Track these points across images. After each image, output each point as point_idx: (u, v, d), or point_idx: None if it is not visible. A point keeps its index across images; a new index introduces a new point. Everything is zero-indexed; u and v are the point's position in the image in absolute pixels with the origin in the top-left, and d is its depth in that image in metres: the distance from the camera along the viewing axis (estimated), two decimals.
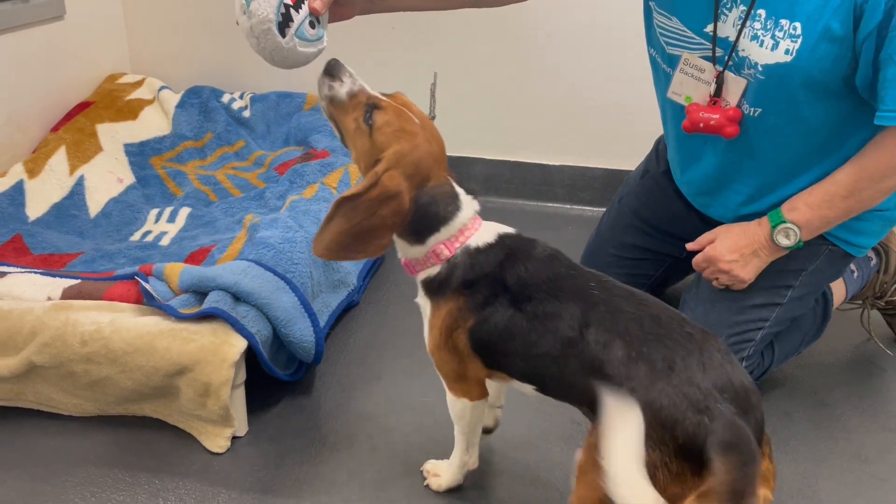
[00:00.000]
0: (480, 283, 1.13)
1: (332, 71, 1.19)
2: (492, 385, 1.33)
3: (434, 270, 1.17)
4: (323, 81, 1.20)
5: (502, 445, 1.46)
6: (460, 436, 1.30)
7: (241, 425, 1.47)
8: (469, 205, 1.18)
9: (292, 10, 1.28)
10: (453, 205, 1.15)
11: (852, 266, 1.68)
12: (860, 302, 1.78)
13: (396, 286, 2.02)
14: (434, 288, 1.17)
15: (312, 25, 1.32)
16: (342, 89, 1.19)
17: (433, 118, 2.57)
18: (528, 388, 1.17)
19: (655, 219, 1.70)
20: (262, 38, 1.28)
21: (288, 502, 1.33)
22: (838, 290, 1.67)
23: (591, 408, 1.05)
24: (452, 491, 1.35)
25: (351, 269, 1.88)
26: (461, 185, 1.21)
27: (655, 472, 0.96)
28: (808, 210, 1.38)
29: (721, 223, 1.52)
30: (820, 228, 1.41)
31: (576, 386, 1.08)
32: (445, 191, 1.15)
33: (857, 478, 1.43)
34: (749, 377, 1.04)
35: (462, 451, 1.32)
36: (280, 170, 2.12)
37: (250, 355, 1.46)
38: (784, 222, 1.39)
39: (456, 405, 1.25)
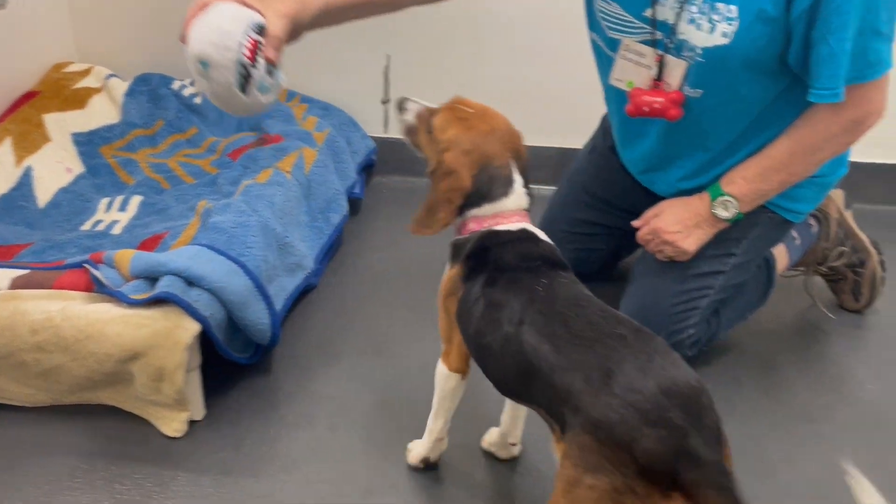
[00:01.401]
0: (474, 259, 1.19)
1: (401, 106, 1.35)
2: (508, 414, 1.36)
3: (461, 239, 1.24)
4: (399, 120, 1.35)
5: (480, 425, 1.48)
6: (434, 400, 1.31)
7: (197, 409, 1.47)
8: (519, 197, 1.22)
9: (251, 69, 1.27)
10: (503, 189, 1.21)
11: (794, 233, 1.73)
12: (803, 269, 1.83)
13: (355, 269, 2.02)
14: (453, 253, 1.25)
15: (270, 73, 1.32)
16: (410, 116, 1.33)
17: (387, 101, 2.57)
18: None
19: (604, 193, 1.73)
20: (225, 100, 1.30)
21: (247, 482, 1.34)
22: (781, 257, 1.73)
23: (551, 414, 1.04)
24: (422, 471, 1.36)
25: (307, 253, 1.88)
26: (526, 174, 1.26)
27: (621, 499, 0.91)
28: (745, 183, 1.44)
29: (666, 198, 1.56)
30: (757, 200, 1.47)
31: (517, 387, 1.10)
32: (502, 174, 1.21)
33: (801, 437, 1.49)
34: (694, 374, 0.99)
35: (432, 417, 1.32)
36: (233, 155, 2.10)
37: (206, 339, 1.46)
38: (723, 195, 1.45)
39: (439, 366, 1.29)
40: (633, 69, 1.46)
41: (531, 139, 2.64)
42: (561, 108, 2.48)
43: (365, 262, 2.05)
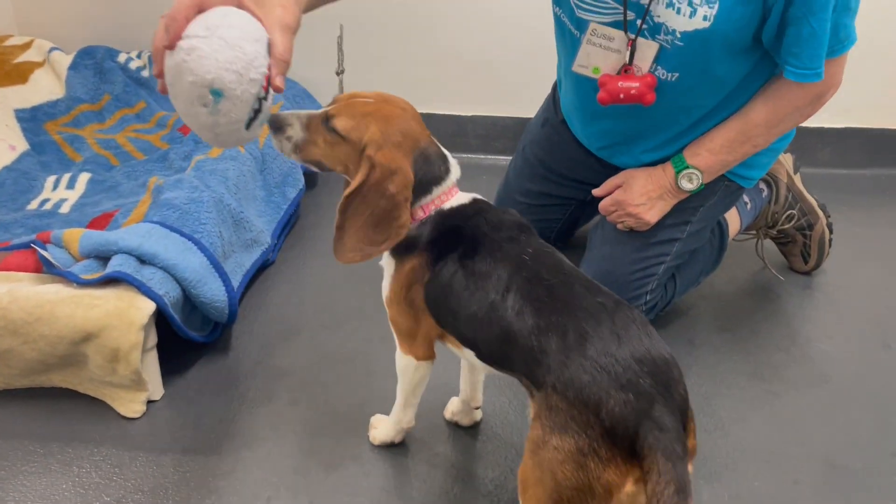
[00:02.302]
0: (441, 240, 1.13)
1: (277, 125, 1.13)
2: (467, 382, 1.36)
3: (411, 230, 1.14)
4: (278, 141, 1.14)
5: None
6: (400, 393, 1.29)
7: (155, 389, 1.45)
8: (455, 167, 1.17)
9: (263, 103, 1.05)
10: (443, 166, 1.14)
11: (745, 198, 1.77)
12: (754, 232, 1.87)
13: (313, 242, 2.01)
14: (405, 247, 1.15)
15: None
16: (296, 132, 1.13)
17: (342, 72, 2.53)
18: (471, 354, 1.16)
19: (558, 165, 1.73)
20: (224, 136, 1.04)
21: (209, 460, 1.33)
22: (733, 221, 1.76)
23: (528, 378, 1.04)
24: (387, 447, 1.37)
25: (264, 228, 1.85)
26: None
27: (585, 461, 0.92)
28: (710, 155, 1.46)
29: (622, 169, 1.57)
30: (719, 171, 1.49)
31: (500, 353, 1.09)
32: (434, 152, 1.14)
33: (753, 395, 1.53)
34: (668, 349, 1.00)
35: (399, 408, 1.31)
36: (184, 130, 2.06)
37: (161, 318, 1.44)
38: (688, 168, 1.46)
39: (401, 360, 1.25)
40: (601, 54, 1.41)
41: (487, 109, 2.66)
42: (516, 76, 2.47)
43: (323, 236, 2.03)
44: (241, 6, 0.98)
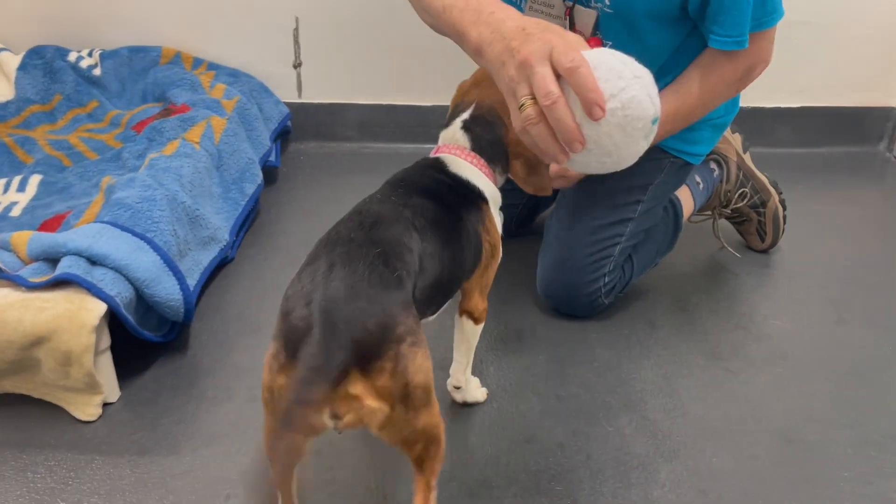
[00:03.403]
0: None
1: None
2: None
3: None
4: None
5: None
6: (471, 354, 1.38)
7: (111, 391, 1.43)
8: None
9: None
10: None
11: (697, 178, 1.78)
12: (709, 213, 1.89)
13: (273, 238, 1.99)
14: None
15: None
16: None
17: (299, 65, 2.51)
18: None
19: None
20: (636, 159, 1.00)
21: (167, 460, 1.32)
22: (687, 202, 1.77)
23: None
24: (344, 437, 1.35)
25: (221, 225, 1.83)
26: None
27: (272, 362, 0.97)
28: None
29: None
30: (656, 141, 1.50)
31: None
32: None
33: (712, 374, 1.55)
34: (387, 314, 0.95)
35: (470, 367, 1.41)
36: (138, 128, 2.02)
37: (115, 319, 1.42)
38: None
39: (477, 326, 1.34)
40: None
41: (449, 99, 2.64)
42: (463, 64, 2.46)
43: (283, 231, 2.02)
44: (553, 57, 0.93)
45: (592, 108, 0.87)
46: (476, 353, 1.59)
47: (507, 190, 1.77)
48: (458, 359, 1.38)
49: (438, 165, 1.24)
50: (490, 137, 1.25)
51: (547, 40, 0.91)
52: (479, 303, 1.30)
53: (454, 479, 1.29)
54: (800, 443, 1.38)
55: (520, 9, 1.44)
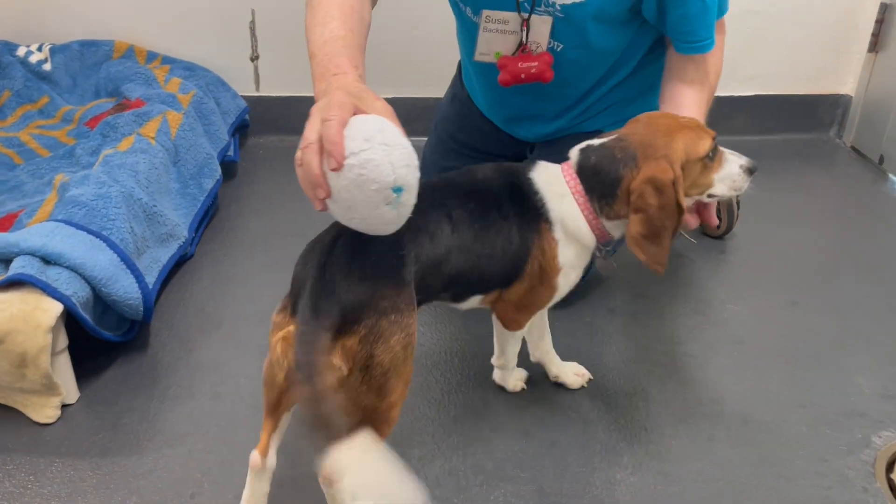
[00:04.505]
0: None
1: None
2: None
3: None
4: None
5: None
6: (515, 348, 1.41)
7: (70, 392, 1.41)
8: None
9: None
10: None
11: None
12: None
13: (233, 234, 1.97)
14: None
15: None
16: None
17: (256, 58, 2.48)
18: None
19: (469, 140, 1.75)
20: (403, 218, 1.02)
21: (129, 461, 1.30)
22: None
23: None
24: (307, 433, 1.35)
25: (180, 221, 1.81)
26: None
27: (281, 307, 1.08)
28: None
29: (528, 142, 1.62)
30: None
31: None
32: None
33: (671, 358, 1.58)
34: (361, 294, 1.00)
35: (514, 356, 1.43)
36: (91, 124, 1.98)
37: (73, 319, 1.39)
38: None
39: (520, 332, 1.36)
40: (499, 39, 1.42)
41: (407, 91, 2.65)
42: (435, 56, 2.46)
43: (243, 227, 2.00)
44: (357, 112, 0.98)
45: (328, 158, 0.93)
46: (440, 342, 1.61)
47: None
48: (495, 342, 1.43)
49: (524, 170, 1.20)
50: (605, 169, 1.17)
51: (330, 98, 0.97)
52: (508, 311, 1.28)
53: (420, 472, 1.30)
54: (757, 423, 1.42)
55: (475, 27, 1.45)
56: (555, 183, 1.19)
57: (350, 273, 1.00)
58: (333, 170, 0.93)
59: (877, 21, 2.40)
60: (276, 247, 1.89)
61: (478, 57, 1.47)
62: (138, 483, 1.26)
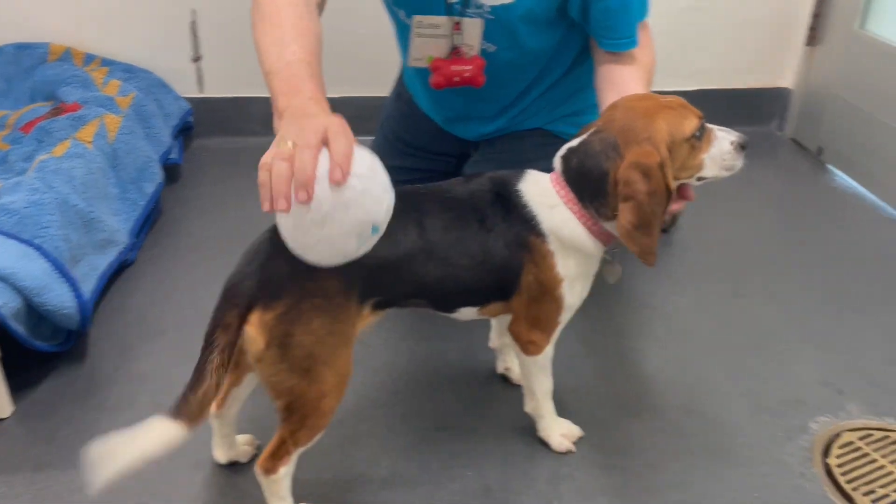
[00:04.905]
0: None
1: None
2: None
3: None
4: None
5: None
6: (545, 386, 1.33)
7: (3, 406, 1.37)
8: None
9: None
10: None
11: None
12: None
13: (177, 238, 1.94)
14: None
15: None
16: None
17: (198, 59, 2.44)
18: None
19: (414, 139, 1.74)
20: (353, 256, 1.01)
21: (65, 475, 1.27)
22: None
23: None
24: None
25: (120, 227, 1.77)
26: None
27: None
28: None
29: (469, 142, 1.63)
30: None
31: None
32: None
33: (618, 352, 1.60)
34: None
35: (548, 399, 1.34)
36: (25, 129, 1.92)
37: (5, 331, 1.35)
38: None
39: (541, 357, 1.28)
40: (431, 44, 1.42)
41: (356, 90, 2.63)
42: (384, 55, 2.44)
43: (187, 231, 1.97)
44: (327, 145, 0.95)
45: (335, 169, 0.91)
46: (388, 342, 1.60)
47: (413, 180, 1.74)
48: (524, 384, 1.35)
49: (514, 181, 1.15)
50: (588, 167, 1.10)
51: (334, 119, 0.95)
52: (523, 331, 1.23)
53: (365, 475, 1.29)
54: (699, 414, 1.44)
55: (407, 30, 1.44)
56: (544, 194, 1.14)
57: (278, 254, 1.00)
58: (335, 182, 0.91)
59: (814, 15, 2.46)
60: (221, 250, 1.84)
61: (412, 63, 1.47)
62: (76, 497, 1.23)
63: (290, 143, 0.93)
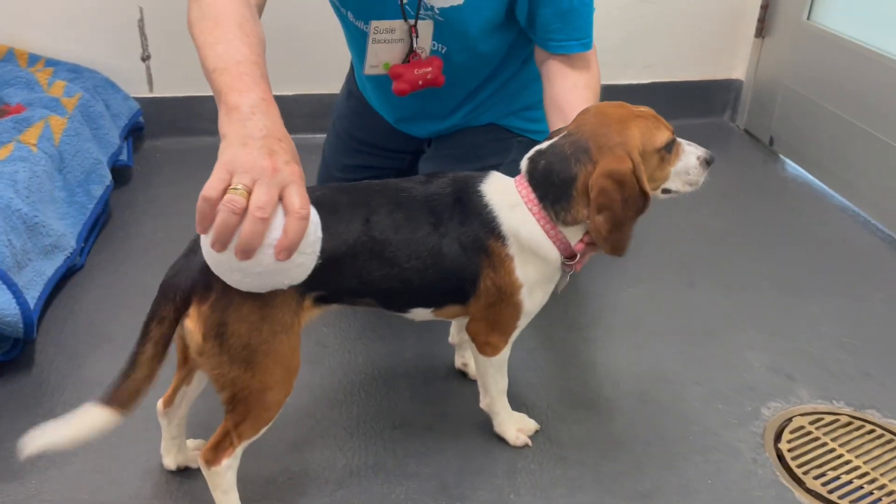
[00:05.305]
0: None
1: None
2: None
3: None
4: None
5: None
6: (500, 389, 1.32)
7: None
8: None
9: None
10: None
11: None
12: None
13: (127, 241, 1.90)
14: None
15: None
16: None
17: (147, 58, 2.39)
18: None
19: (367, 137, 1.74)
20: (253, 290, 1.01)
21: (10, 486, 1.24)
22: None
23: None
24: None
25: (67, 231, 1.73)
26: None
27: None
28: None
29: (422, 139, 1.64)
30: None
31: None
32: None
33: (573, 345, 1.61)
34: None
35: (503, 400, 1.34)
36: None
37: None
38: None
39: (498, 358, 1.28)
40: (387, 49, 1.40)
41: (311, 87, 2.61)
42: (339, 51, 2.42)
43: (138, 233, 1.93)
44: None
45: (282, 251, 0.89)
46: (344, 341, 1.59)
47: (365, 178, 1.76)
48: (479, 381, 1.35)
49: (475, 182, 1.14)
50: (556, 169, 1.09)
51: (292, 171, 0.91)
52: (481, 332, 1.22)
53: (320, 476, 1.28)
54: (653, 403, 1.45)
55: (358, 31, 1.43)
56: (505, 193, 1.12)
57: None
58: (279, 259, 0.90)
59: (762, 7, 2.50)
60: (172, 253, 1.76)
61: (368, 70, 1.44)
62: None
63: (240, 188, 0.88)
